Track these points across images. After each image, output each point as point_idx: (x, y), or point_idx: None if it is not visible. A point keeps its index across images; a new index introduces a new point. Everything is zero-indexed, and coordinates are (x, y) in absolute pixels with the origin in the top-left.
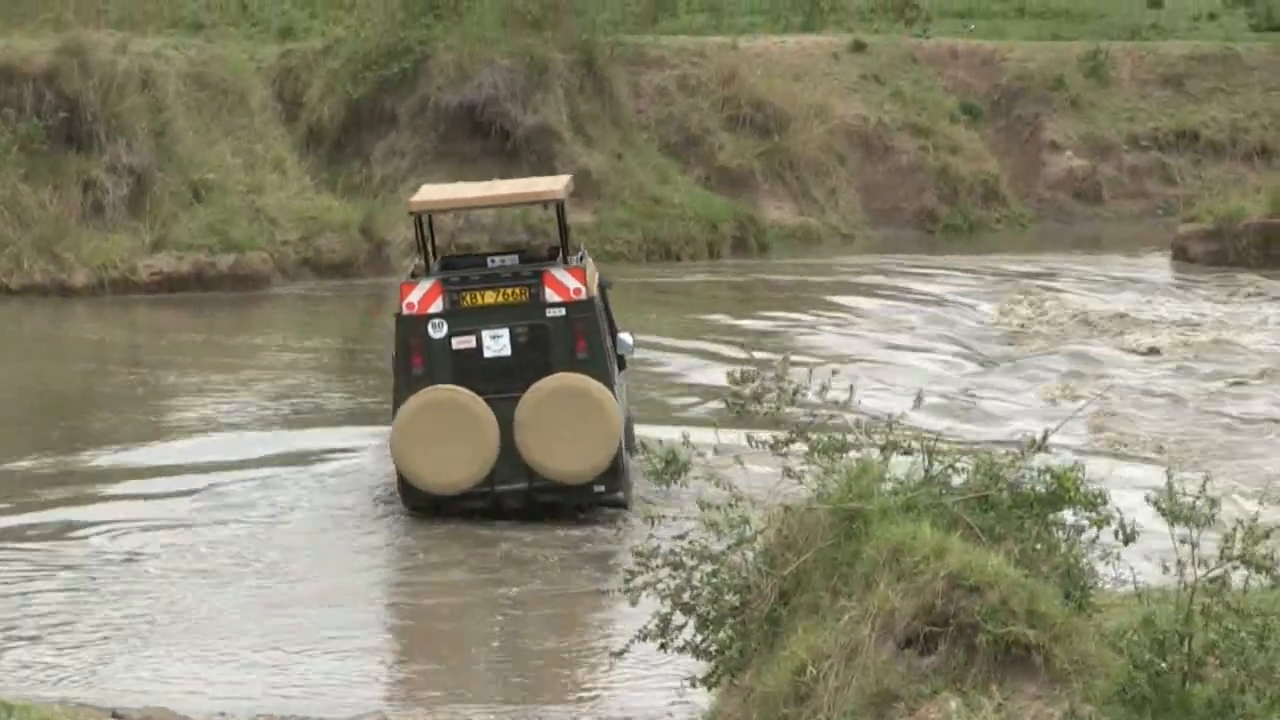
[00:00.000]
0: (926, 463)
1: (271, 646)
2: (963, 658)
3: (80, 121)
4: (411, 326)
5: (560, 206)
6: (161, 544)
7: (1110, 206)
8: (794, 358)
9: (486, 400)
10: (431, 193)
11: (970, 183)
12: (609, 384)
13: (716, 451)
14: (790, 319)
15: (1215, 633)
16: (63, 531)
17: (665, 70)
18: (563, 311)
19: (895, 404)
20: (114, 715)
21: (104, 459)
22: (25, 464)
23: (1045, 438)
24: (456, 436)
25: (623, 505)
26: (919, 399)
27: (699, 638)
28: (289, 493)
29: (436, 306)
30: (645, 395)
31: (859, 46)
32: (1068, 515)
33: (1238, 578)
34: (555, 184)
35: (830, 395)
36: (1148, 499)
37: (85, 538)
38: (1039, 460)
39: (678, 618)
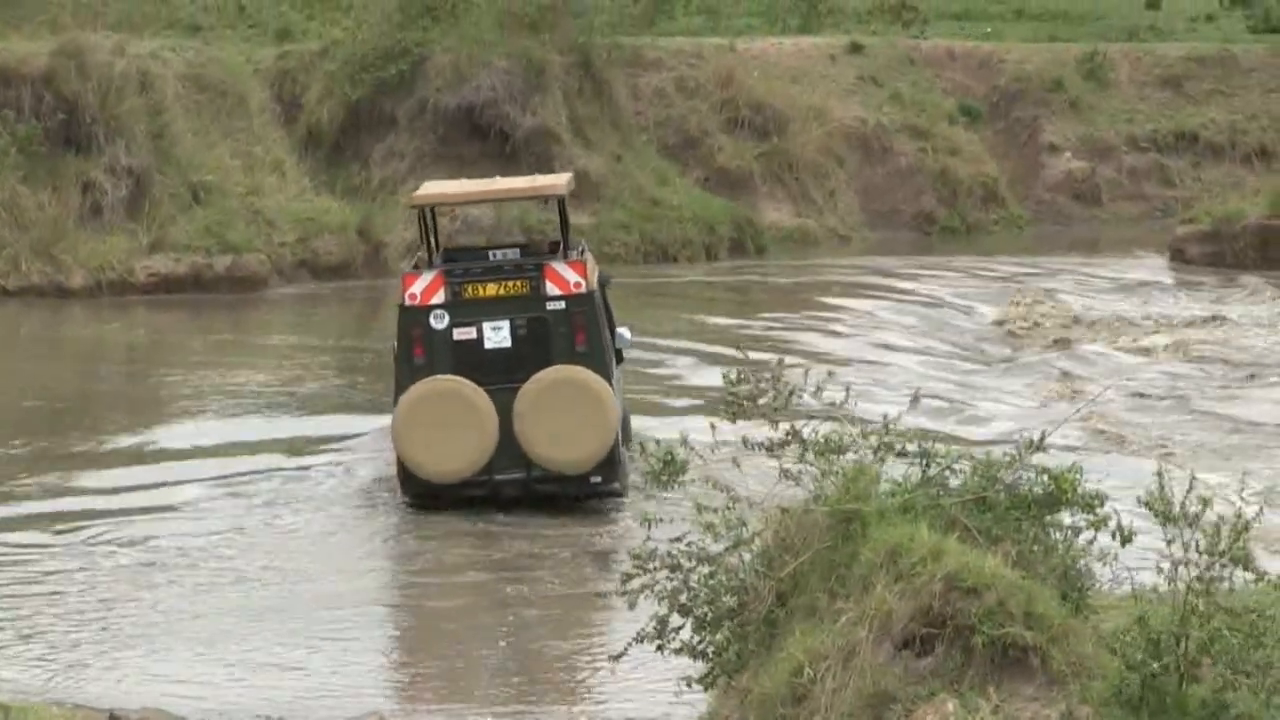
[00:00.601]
0: (924, 464)
1: (270, 647)
2: (960, 659)
3: (78, 123)
4: (414, 317)
5: (562, 202)
6: (159, 544)
7: (1108, 208)
8: (791, 359)
9: (486, 391)
10: (434, 188)
11: (969, 185)
12: (607, 377)
13: (714, 451)
14: (788, 320)
15: (1207, 633)
16: (59, 532)
17: (663, 72)
18: (563, 305)
19: (892, 405)
20: (111, 716)
21: (101, 460)
22: (22, 466)
23: (1043, 439)
24: (457, 426)
25: (619, 495)
26: (915, 399)
27: (696, 639)
28: (287, 492)
29: (438, 298)
30: (642, 396)
31: (856, 48)
32: (1065, 517)
33: (1229, 575)
34: (557, 179)
35: (826, 397)
36: (1139, 499)
37: (82, 538)
38: (1036, 461)
39: (675, 619)
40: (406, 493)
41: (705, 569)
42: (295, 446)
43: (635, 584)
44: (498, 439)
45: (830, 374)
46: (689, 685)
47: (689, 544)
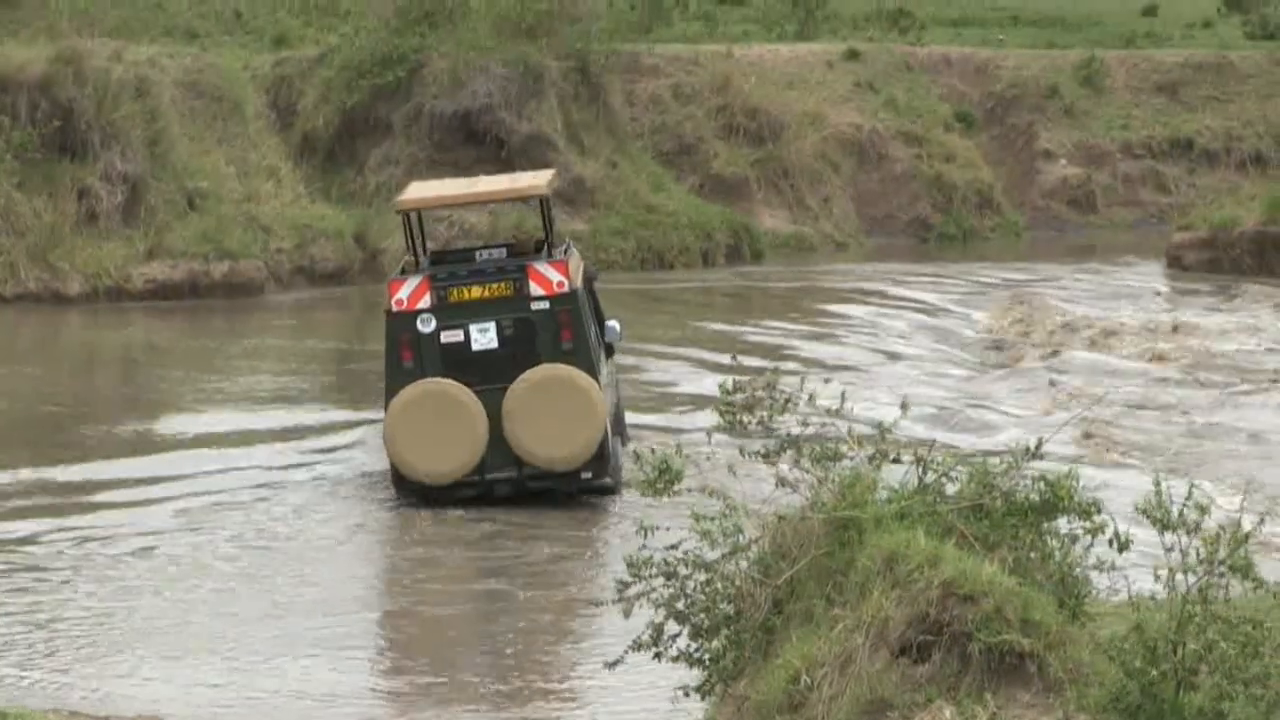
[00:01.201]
0: (920, 471)
1: (267, 653)
2: (957, 666)
3: (74, 130)
4: (401, 322)
5: (544, 201)
6: (155, 550)
7: (1104, 214)
8: (787, 366)
9: (475, 392)
10: (418, 191)
11: (964, 191)
12: (594, 373)
13: (710, 459)
14: (784, 327)
15: (1204, 642)
16: (56, 538)
17: (659, 78)
18: (547, 304)
19: (887, 412)
20: None
21: (97, 465)
22: (15, 471)
23: (1039, 446)
24: (447, 428)
25: (611, 491)
26: (905, 407)
27: (693, 646)
28: (282, 498)
29: (425, 302)
30: (639, 403)
31: (853, 54)
32: (1062, 524)
33: (1226, 584)
34: (538, 179)
35: (821, 404)
36: (1136, 507)
37: (79, 543)
38: (1033, 468)
39: (672, 627)
40: (400, 494)
41: (702, 576)
42: (291, 451)
43: (631, 591)
44: (488, 439)
45: (827, 381)
46: (686, 693)
47: (685, 551)
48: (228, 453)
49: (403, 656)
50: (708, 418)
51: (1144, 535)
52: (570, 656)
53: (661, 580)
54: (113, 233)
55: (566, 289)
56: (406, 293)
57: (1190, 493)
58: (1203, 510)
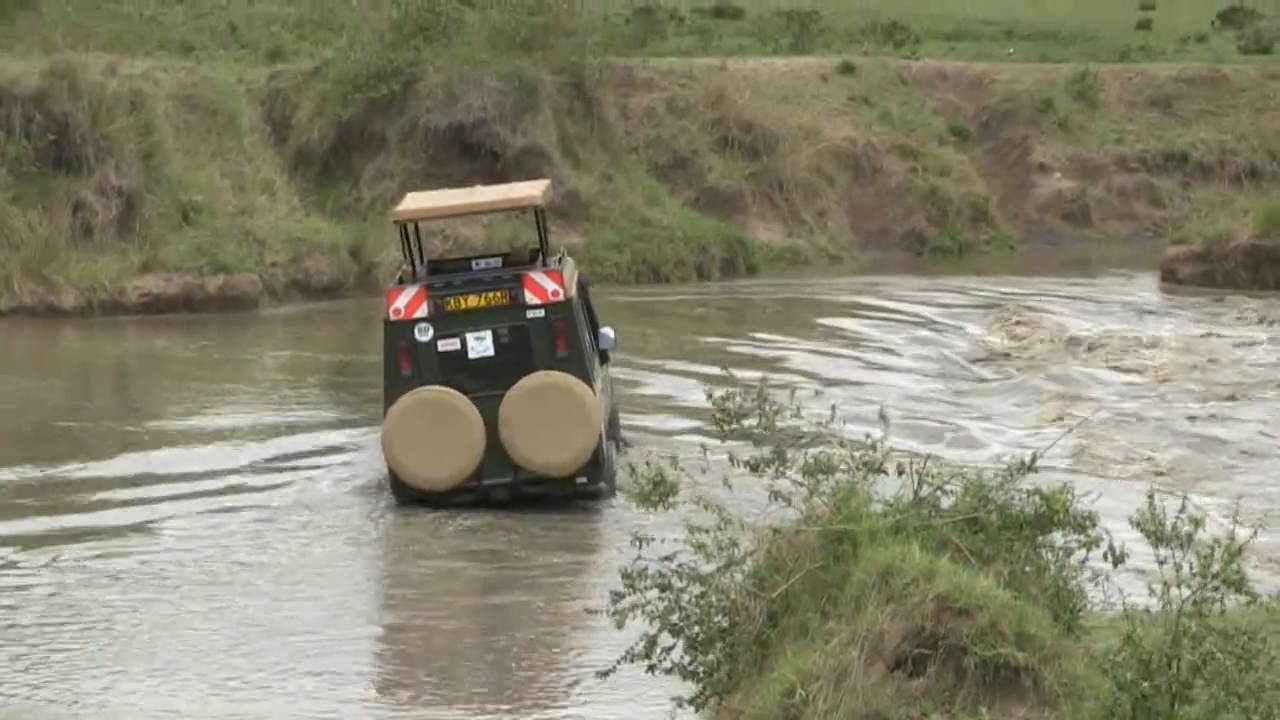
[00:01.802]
0: (915, 485)
1: (258, 668)
2: (952, 680)
3: (69, 143)
4: (399, 331)
5: (539, 212)
6: (145, 563)
7: (1098, 228)
8: (780, 379)
9: (472, 399)
10: (415, 202)
11: (959, 204)
12: (589, 380)
13: (704, 472)
14: (778, 341)
15: (1199, 654)
16: (49, 550)
17: (654, 92)
18: (542, 313)
19: (878, 426)
20: None
21: (93, 470)
22: (9, 479)
23: (1034, 459)
24: (444, 434)
25: (605, 495)
26: (885, 420)
27: (687, 659)
28: (277, 509)
29: (422, 311)
30: (634, 417)
31: (847, 68)
32: (1057, 537)
33: (1221, 597)
34: (533, 189)
35: (813, 416)
36: (1131, 520)
37: (73, 555)
38: (1028, 482)
39: (666, 639)
40: (399, 499)
41: (697, 589)
42: (287, 462)
43: (625, 603)
44: (485, 445)
45: (818, 394)
46: (680, 705)
47: (680, 564)
48: (221, 463)
49: (399, 670)
50: (702, 430)
51: (1138, 549)
52: (567, 669)
53: (656, 592)
54: (107, 246)
55: (561, 297)
56: (404, 302)
57: (1184, 506)
58: (1197, 523)
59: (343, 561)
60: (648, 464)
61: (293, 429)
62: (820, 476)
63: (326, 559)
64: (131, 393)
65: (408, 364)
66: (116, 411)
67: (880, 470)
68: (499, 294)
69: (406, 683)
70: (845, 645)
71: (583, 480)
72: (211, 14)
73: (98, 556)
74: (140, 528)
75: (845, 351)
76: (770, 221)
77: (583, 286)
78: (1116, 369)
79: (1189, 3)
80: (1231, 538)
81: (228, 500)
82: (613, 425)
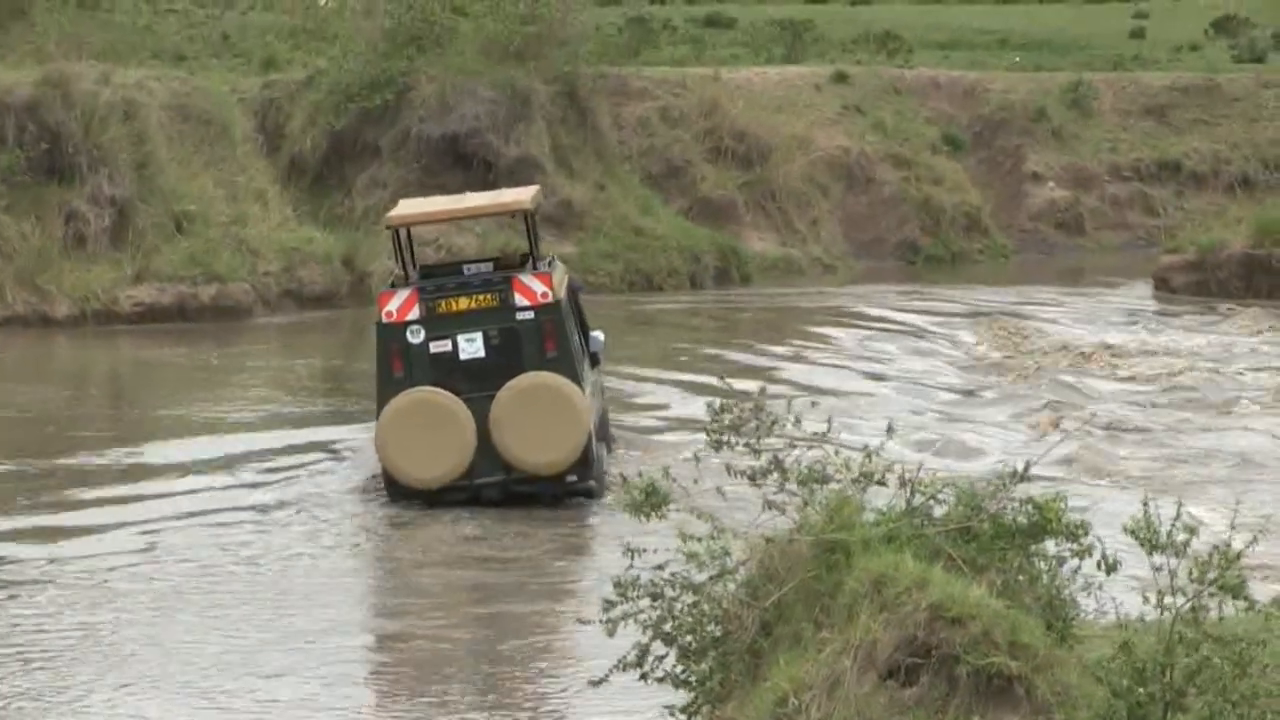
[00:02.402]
0: (908, 494)
1: (250, 675)
2: (945, 689)
3: (62, 153)
4: (391, 333)
5: (529, 216)
6: (137, 570)
7: (1092, 237)
8: (774, 389)
9: (463, 399)
10: (407, 207)
11: (952, 214)
12: (578, 380)
13: (697, 482)
14: (771, 350)
15: (1195, 661)
16: (45, 556)
17: (647, 101)
18: (531, 315)
19: (873, 435)
20: None
21: (86, 477)
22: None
23: (1027, 468)
24: (437, 434)
25: (595, 494)
26: (891, 430)
27: (680, 668)
28: (272, 515)
29: (414, 314)
30: (626, 426)
31: (841, 77)
32: (1050, 546)
33: (1216, 604)
34: (522, 195)
35: (808, 426)
36: (1125, 528)
37: (68, 562)
38: (1020, 491)
39: (658, 648)
40: (392, 498)
41: (689, 598)
42: (283, 470)
43: (617, 612)
44: (476, 445)
45: (814, 404)
46: (673, 714)
47: (673, 573)
48: (218, 471)
49: (392, 678)
50: (695, 439)
51: (1132, 557)
52: (561, 677)
53: (648, 601)
54: (100, 255)
55: (550, 299)
56: (396, 305)
57: (1178, 514)
58: (1191, 531)
59: (338, 568)
60: (639, 473)
61: (287, 434)
62: (815, 486)
63: (321, 565)
64: (125, 400)
65: (400, 365)
66: (109, 419)
67: (880, 483)
68: (489, 296)
69: (398, 690)
70: (838, 654)
71: (572, 478)
72: (205, 24)
73: (89, 556)
74: (127, 537)
75: (838, 361)
76: (764, 231)
77: (573, 290)
78: (1110, 378)
79: (1183, 12)
80: (1229, 544)
81: (222, 504)
82: (603, 426)
